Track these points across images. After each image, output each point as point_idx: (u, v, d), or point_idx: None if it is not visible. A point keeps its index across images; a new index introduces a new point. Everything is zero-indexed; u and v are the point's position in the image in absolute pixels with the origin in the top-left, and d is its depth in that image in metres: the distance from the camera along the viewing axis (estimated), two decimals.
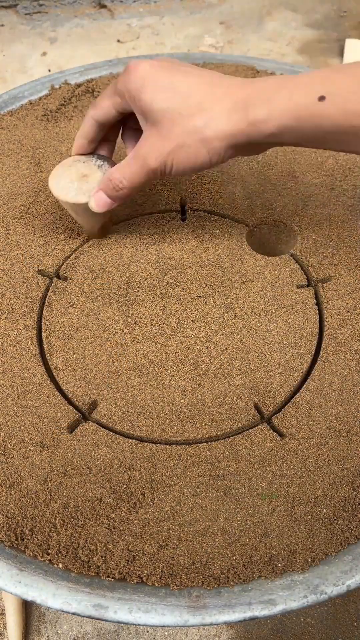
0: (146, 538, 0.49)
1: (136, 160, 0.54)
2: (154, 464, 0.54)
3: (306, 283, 0.66)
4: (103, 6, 1.94)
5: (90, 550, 0.48)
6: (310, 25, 1.94)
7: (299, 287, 0.66)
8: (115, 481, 0.52)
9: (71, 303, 0.64)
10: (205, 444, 0.55)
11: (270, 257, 0.68)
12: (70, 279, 0.66)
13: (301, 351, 0.61)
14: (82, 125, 0.60)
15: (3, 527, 0.49)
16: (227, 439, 0.55)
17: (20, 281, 0.66)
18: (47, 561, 0.48)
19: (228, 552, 0.48)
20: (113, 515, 0.50)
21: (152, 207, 0.73)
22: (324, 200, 0.74)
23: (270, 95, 0.49)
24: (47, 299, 0.64)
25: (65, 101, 0.85)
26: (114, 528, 0.49)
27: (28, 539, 0.49)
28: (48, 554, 0.48)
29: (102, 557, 0.48)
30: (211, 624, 0.46)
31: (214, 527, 0.50)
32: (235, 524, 0.50)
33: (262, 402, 0.57)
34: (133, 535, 0.49)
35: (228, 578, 0.47)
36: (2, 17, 1.92)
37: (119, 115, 0.58)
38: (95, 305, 0.64)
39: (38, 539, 0.49)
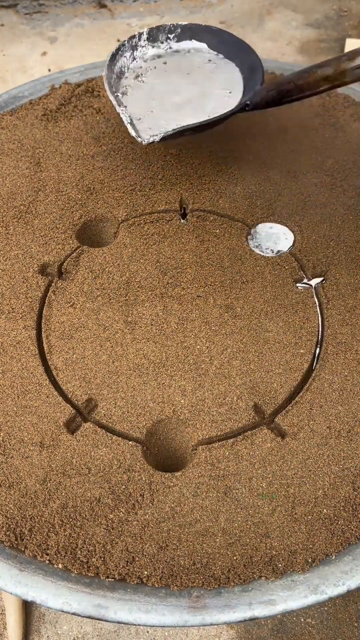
0: (146, 539, 0.49)
1: None
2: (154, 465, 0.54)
3: (307, 283, 0.66)
4: (103, 6, 1.94)
5: (88, 551, 0.48)
6: (310, 24, 1.94)
7: (300, 285, 0.66)
8: (114, 482, 0.52)
9: (71, 303, 0.64)
10: (205, 444, 0.54)
11: (270, 257, 0.68)
12: (70, 279, 0.66)
13: (301, 351, 0.61)
14: None
15: (3, 527, 0.49)
16: (227, 440, 0.55)
17: (20, 281, 0.66)
18: (46, 561, 0.48)
19: (229, 553, 0.48)
20: (111, 515, 0.50)
21: (152, 207, 0.73)
22: (324, 200, 0.74)
23: None
24: (47, 299, 0.64)
25: (65, 101, 0.85)
26: (112, 529, 0.49)
27: (27, 539, 0.49)
28: (47, 554, 0.48)
29: (100, 557, 0.48)
30: (211, 624, 0.46)
31: (214, 528, 0.50)
32: (236, 524, 0.50)
33: (262, 402, 0.57)
34: (132, 536, 0.49)
35: (228, 578, 0.47)
36: (2, 17, 1.91)
37: None
38: (95, 305, 0.64)
39: (37, 539, 0.49)
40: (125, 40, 0.76)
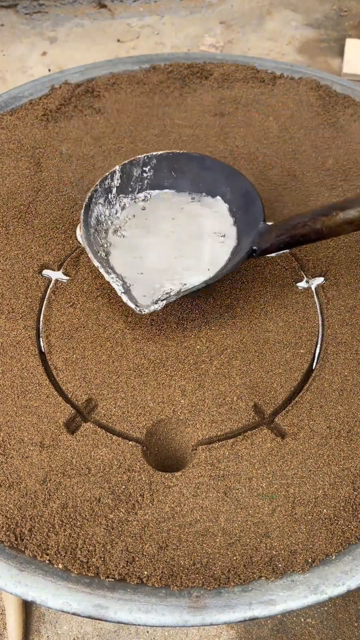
0: (146, 539, 0.49)
1: None
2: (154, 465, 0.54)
3: (307, 283, 0.66)
4: (103, 6, 1.94)
5: (88, 551, 0.48)
6: (310, 24, 1.94)
7: (300, 286, 0.65)
8: (114, 482, 0.52)
9: (71, 303, 0.64)
10: (205, 444, 0.54)
11: (270, 257, 0.68)
12: (71, 278, 0.66)
13: (301, 351, 0.61)
14: None
15: (3, 527, 0.49)
16: (227, 440, 0.55)
17: (20, 281, 0.66)
18: (46, 561, 0.48)
19: (229, 553, 0.48)
20: (111, 516, 0.50)
21: None
22: (324, 201, 0.74)
23: None
24: (47, 299, 0.64)
25: (65, 101, 0.85)
26: (112, 529, 0.49)
27: (27, 539, 0.49)
28: (47, 554, 0.48)
29: (100, 557, 0.48)
30: (211, 624, 0.46)
31: (214, 528, 0.50)
32: (236, 525, 0.50)
33: (262, 402, 0.57)
34: (132, 537, 0.49)
35: (228, 578, 0.47)
36: (2, 17, 1.91)
37: None
38: (95, 305, 0.64)
39: (37, 539, 0.49)
40: (97, 184, 0.65)
